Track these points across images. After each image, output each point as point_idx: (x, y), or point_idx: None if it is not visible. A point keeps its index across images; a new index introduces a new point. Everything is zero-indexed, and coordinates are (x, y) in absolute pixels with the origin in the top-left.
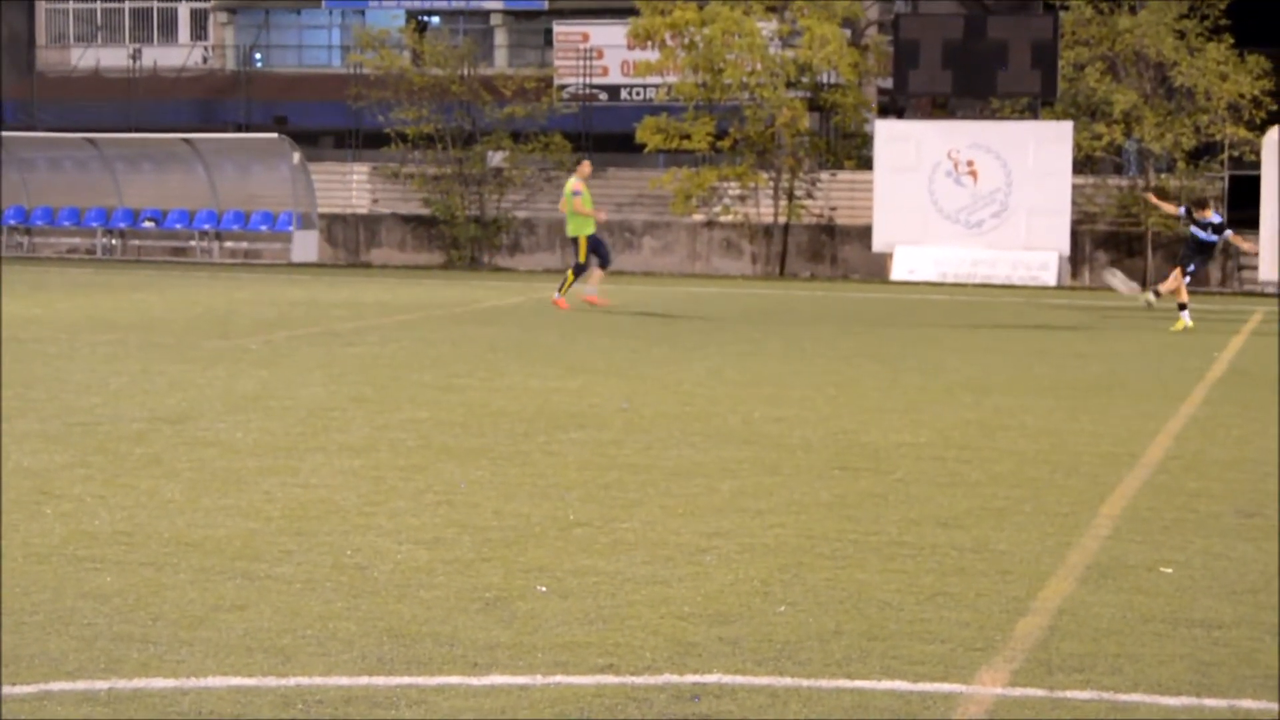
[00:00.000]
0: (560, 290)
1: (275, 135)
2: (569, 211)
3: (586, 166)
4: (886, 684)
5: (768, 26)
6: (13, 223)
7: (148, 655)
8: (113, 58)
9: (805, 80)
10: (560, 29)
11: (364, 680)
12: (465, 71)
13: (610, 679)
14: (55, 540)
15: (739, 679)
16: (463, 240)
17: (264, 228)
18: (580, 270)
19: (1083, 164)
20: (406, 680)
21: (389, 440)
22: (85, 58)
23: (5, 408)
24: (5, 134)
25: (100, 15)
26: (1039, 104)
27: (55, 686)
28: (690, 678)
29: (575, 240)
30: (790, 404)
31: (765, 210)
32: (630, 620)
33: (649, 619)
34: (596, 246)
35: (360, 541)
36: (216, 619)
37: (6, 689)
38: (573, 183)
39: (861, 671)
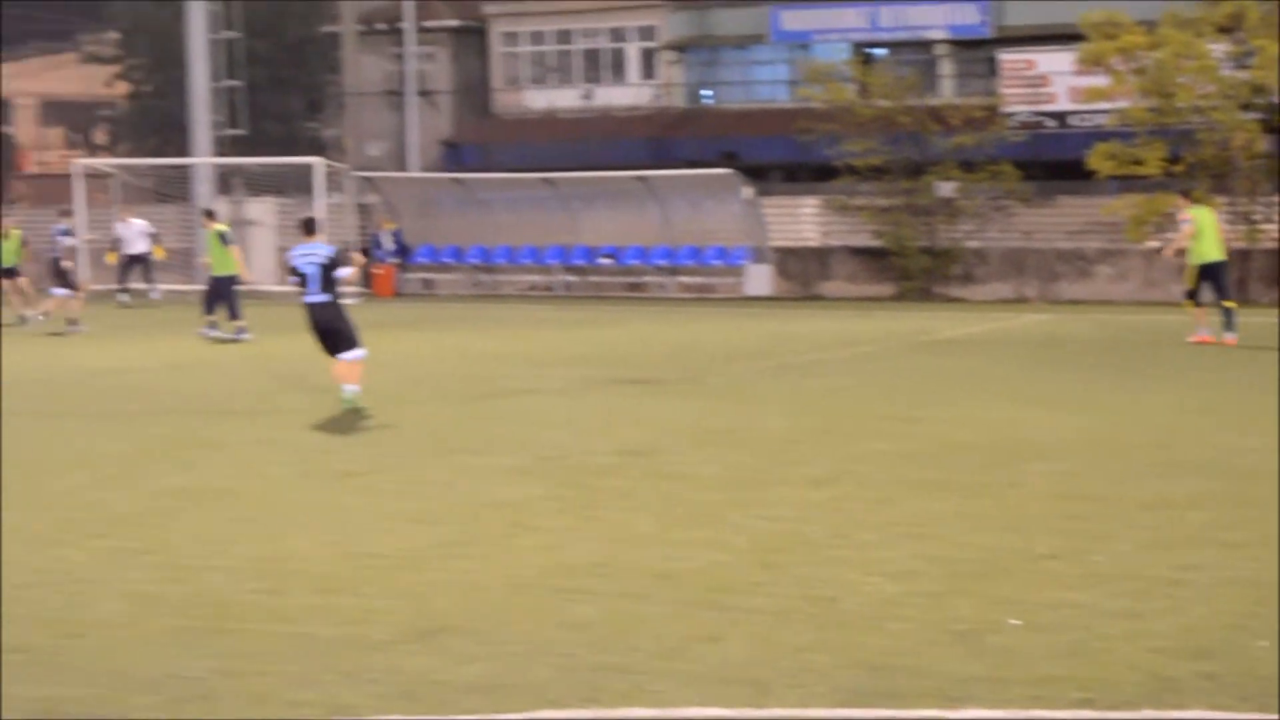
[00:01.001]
0: (1206, 329)
1: (726, 170)
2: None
3: (1185, 201)
4: None
5: (1219, 48)
6: (475, 262)
7: (628, 685)
8: (565, 99)
9: (1260, 101)
10: (1006, 57)
11: (840, 712)
12: (912, 102)
13: (1088, 714)
14: (533, 572)
15: (1222, 715)
16: (914, 271)
17: (718, 262)
18: (1197, 296)
19: None
20: (882, 713)
21: (852, 472)
22: (539, 99)
23: (477, 443)
24: (465, 176)
25: (553, 58)
26: None
27: (541, 715)
28: (1171, 713)
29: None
30: (1259, 433)
31: (1223, 235)
32: (1106, 654)
33: (1125, 653)
34: (1213, 274)
35: (829, 574)
36: (692, 650)
37: (495, 715)
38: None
39: None
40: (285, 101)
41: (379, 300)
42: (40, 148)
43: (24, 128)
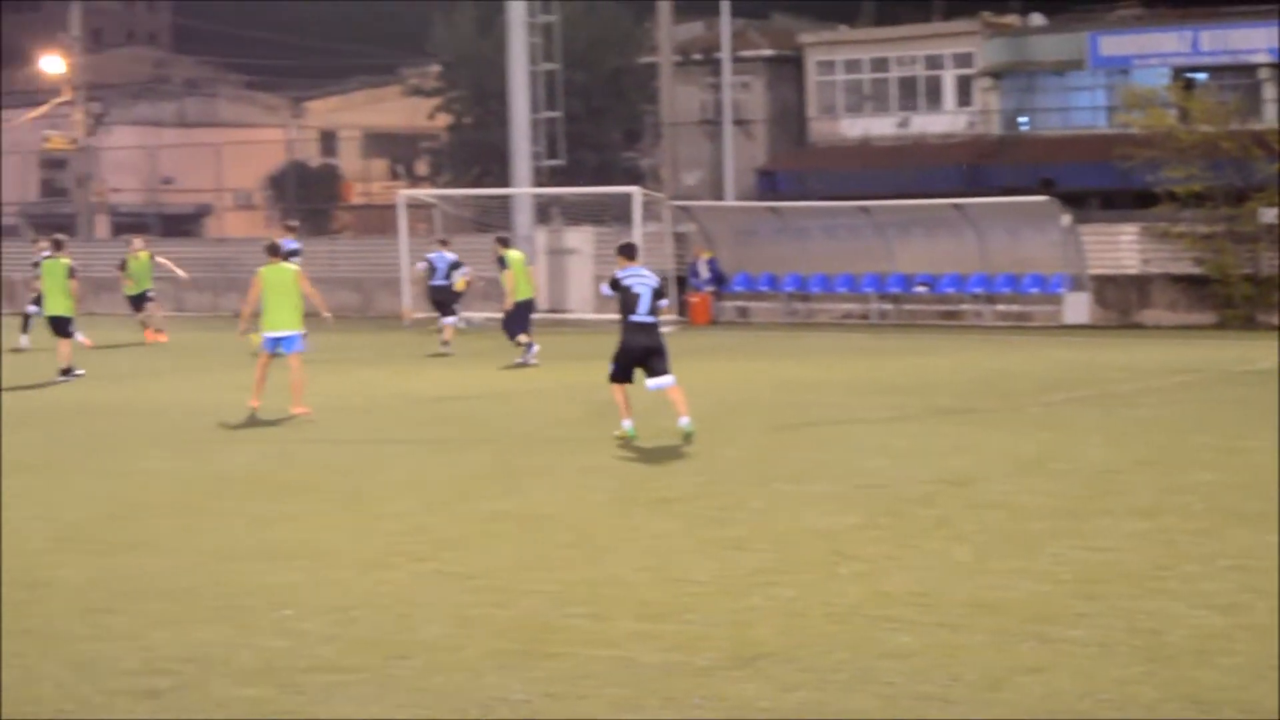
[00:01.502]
0: None
1: (1044, 198)
2: None
3: None
4: None
5: None
6: (790, 290)
7: (950, 716)
8: (881, 126)
9: None
10: None
11: None
12: (1234, 127)
13: None
14: (852, 600)
15: None
16: (1237, 299)
17: (1035, 290)
18: None
19: None
20: None
21: (1176, 503)
22: (854, 127)
23: (795, 471)
24: (781, 204)
25: (868, 86)
26: None
27: None
28: None
29: None
30: None
31: None
32: None
33: None
34: None
35: (1152, 606)
36: (1014, 681)
37: None
38: None
39: None
40: (602, 132)
41: (695, 328)
42: (364, 179)
43: (348, 159)
